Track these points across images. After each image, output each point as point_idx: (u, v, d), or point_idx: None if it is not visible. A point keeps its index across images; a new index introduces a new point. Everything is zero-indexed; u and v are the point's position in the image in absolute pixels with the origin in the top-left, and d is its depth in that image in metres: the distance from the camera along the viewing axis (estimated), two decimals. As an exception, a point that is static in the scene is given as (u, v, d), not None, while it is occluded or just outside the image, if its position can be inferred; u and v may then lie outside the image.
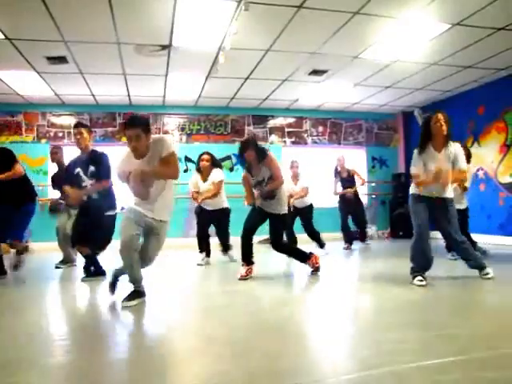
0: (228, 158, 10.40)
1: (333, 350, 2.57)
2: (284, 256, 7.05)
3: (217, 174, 6.28)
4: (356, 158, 11.30)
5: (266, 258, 6.91)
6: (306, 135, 11.07)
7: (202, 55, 7.04)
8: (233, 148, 10.20)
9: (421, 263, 4.38)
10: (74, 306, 4.02)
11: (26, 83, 8.20)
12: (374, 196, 11.20)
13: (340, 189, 8.34)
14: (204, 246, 6.40)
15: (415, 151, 4.49)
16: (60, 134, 9.79)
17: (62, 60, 7.09)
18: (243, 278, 4.94)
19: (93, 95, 9.27)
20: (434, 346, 2.51)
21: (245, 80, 8.48)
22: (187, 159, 10.20)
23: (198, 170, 6.41)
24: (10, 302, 4.07)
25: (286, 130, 10.96)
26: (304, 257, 5.21)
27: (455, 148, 4.40)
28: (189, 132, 10.43)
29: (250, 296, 4.23)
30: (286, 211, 5.18)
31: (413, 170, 4.48)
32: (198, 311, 3.67)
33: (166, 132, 10.34)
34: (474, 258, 4.60)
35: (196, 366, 2.37)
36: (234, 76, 8.23)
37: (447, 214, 4.46)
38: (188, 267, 6.18)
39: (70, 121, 9.76)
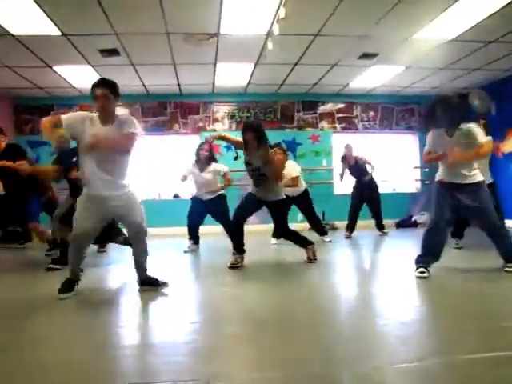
0: (278, 144, 10.34)
1: (389, 337, 2.54)
2: (331, 243, 7.05)
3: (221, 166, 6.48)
4: (407, 144, 11.04)
5: (322, 244, 6.88)
6: (356, 121, 10.87)
7: (251, 42, 7.01)
8: (282, 135, 10.16)
9: (428, 254, 4.19)
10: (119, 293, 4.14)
11: (81, 76, 8.45)
12: (427, 182, 10.88)
13: (346, 176, 8.20)
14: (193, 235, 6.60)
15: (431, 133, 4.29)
16: (113, 125, 10.04)
17: (113, 52, 7.26)
18: (233, 266, 4.90)
19: (144, 85, 9.44)
20: (496, 339, 2.41)
21: (294, 66, 8.40)
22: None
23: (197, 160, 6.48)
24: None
25: (336, 115, 10.78)
26: (306, 242, 5.15)
27: (467, 127, 4.06)
28: (238, 119, 10.44)
29: (299, 282, 4.24)
30: (284, 196, 5.15)
31: (425, 149, 4.34)
32: (245, 297, 3.69)
33: (216, 120, 10.42)
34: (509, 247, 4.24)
35: (246, 351, 2.39)
36: (283, 62, 8.16)
37: (476, 201, 4.14)
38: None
39: (121, 111, 10.02)
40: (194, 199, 6.61)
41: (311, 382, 1.97)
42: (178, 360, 2.23)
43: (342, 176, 8.17)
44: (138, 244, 3.89)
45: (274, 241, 7.05)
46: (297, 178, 6.86)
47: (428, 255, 4.19)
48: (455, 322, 2.75)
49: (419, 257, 4.23)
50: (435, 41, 7.10)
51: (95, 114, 3.65)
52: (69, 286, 3.74)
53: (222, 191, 6.47)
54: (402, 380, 1.97)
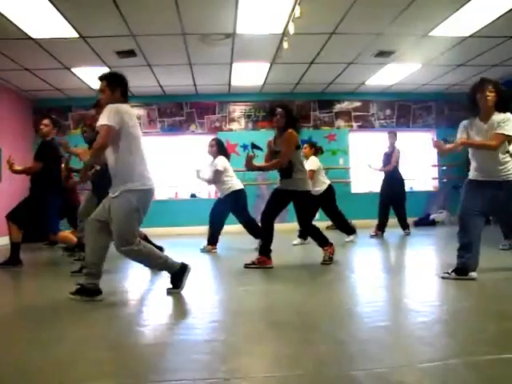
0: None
1: (407, 337, 2.52)
2: (354, 243, 6.99)
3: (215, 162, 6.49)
4: (424, 141, 10.91)
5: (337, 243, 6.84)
6: (373, 119, 10.81)
7: (266, 41, 7.03)
8: (299, 134, 10.13)
9: (464, 258, 3.91)
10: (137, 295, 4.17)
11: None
12: (445, 180, 10.77)
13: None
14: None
15: (462, 122, 4.08)
16: (131, 125, 10.11)
17: (130, 53, 7.34)
18: (248, 266, 4.78)
19: (160, 86, 9.52)
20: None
21: (309, 65, 8.39)
22: (254, 146, 10.16)
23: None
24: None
25: (353, 114, 10.74)
26: (324, 241, 5.00)
27: (500, 117, 3.78)
28: (255, 119, 10.48)
29: (319, 282, 4.24)
30: (309, 189, 4.98)
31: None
32: (263, 296, 3.69)
33: (232, 120, 10.45)
34: None
35: (265, 350, 2.38)
36: (299, 61, 8.16)
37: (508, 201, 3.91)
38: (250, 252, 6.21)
39: (139, 112, 10.12)
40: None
41: (330, 381, 1.96)
42: (197, 358, 2.24)
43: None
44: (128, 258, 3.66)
45: (295, 241, 6.93)
46: (312, 172, 6.71)
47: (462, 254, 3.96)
48: (477, 322, 2.72)
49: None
50: (452, 38, 7.03)
51: None
52: (83, 291, 3.51)
53: (232, 189, 6.41)
54: (422, 380, 1.95)
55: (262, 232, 5.07)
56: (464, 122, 4.06)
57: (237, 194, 6.42)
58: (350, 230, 7.16)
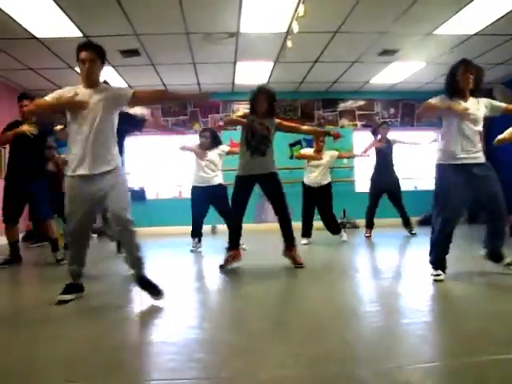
0: (298, 142, 10.32)
1: (412, 337, 2.52)
2: (355, 241, 6.98)
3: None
4: (428, 140, 10.85)
5: (340, 241, 6.82)
6: (377, 118, 10.78)
7: (270, 40, 7.02)
8: (302, 133, 10.15)
9: (438, 258, 3.96)
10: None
11: (102, 77, 8.48)
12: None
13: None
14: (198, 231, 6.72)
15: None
16: (134, 124, 10.12)
17: (134, 53, 7.34)
18: (224, 267, 4.69)
19: (164, 85, 9.51)
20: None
21: (313, 63, 8.37)
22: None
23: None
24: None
25: (357, 112, 10.72)
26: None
27: (483, 98, 3.86)
28: (258, 118, 10.46)
29: (319, 282, 4.22)
30: (276, 170, 4.80)
31: (430, 100, 4.01)
32: (264, 296, 3.67)
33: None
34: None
35: (267, 350, 2.37)
36: (303, 60, 8.15)
37: (486, 184, 3.81)
38: (256, 251, 6.21)
39: (142, 111, 10.12)
40: (194, 190, 6.71)
41: (334, 380, 1.96)
42: (200, 357, 2.25)
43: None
44: (123, 240, 3.46)
45: (304, 241, 6.78)
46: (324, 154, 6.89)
47: (439, 259, 4.02)
48: (481, 322, 2.71)
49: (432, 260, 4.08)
50: (457, 36, 7.00)
51: (79, 86, 3.48)
52: (71, 288, 3.48)
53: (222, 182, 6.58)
54: (426, 379, 1.95)
55: (234, 226, 4.91)
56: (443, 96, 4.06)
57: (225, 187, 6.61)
58: (339, 229, 7.03)
